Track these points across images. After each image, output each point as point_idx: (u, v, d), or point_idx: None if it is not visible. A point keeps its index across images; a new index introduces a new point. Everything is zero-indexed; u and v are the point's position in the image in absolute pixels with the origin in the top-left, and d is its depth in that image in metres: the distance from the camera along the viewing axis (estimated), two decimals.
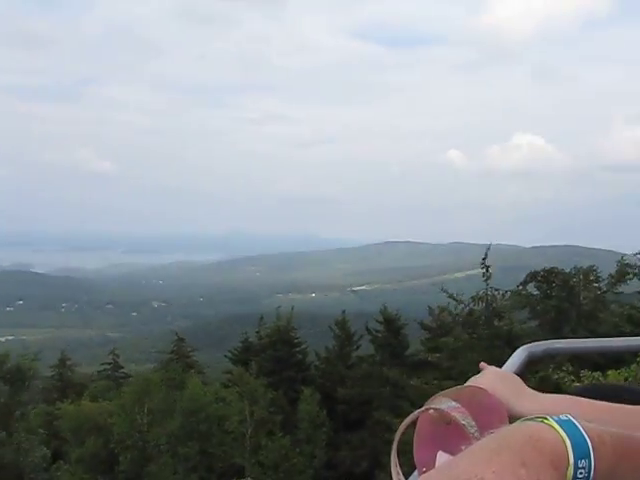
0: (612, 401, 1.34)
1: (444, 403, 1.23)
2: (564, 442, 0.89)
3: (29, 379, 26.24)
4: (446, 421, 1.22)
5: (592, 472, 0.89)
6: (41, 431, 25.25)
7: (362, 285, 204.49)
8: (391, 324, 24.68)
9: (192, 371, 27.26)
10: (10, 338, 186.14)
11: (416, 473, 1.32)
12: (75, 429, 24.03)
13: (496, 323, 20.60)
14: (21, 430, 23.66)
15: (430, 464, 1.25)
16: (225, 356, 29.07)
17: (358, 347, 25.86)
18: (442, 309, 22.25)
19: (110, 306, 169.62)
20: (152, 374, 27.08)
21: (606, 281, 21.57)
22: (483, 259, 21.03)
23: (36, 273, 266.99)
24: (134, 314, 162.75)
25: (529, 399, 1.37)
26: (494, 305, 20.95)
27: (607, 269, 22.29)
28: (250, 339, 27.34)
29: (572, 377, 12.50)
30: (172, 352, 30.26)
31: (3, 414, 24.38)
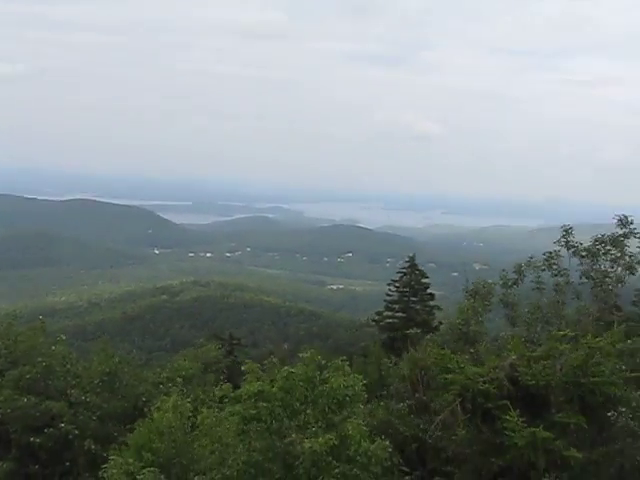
0: None
1: None
2: None
3: None
4: None
5: None
6: None
7: None
8: None
9: None
10: (341, 287, 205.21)
11: None
12: None
13: None
14: None
15: None
16: None
17: None
18: None
19: (432, 265, 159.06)
20: None
21: None
22: None
23: (363, 228, 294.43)
24: (455, 274, 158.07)
25: None
26: None
27: None
28: None
29: None
30: None
31: None
